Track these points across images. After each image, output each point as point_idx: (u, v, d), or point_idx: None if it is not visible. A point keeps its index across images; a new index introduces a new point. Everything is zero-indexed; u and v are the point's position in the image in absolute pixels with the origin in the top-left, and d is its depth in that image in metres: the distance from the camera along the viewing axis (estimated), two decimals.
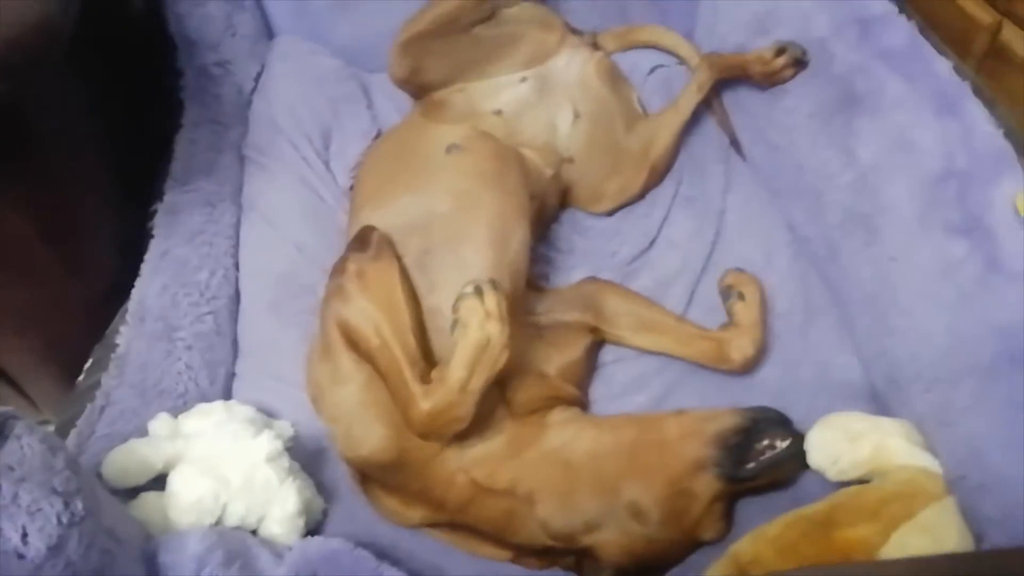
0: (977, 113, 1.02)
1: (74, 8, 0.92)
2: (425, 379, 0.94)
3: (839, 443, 0.94)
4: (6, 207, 0.95)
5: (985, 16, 1.10)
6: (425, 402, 0.91)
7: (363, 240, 1.05)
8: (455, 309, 0.94)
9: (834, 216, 1.18)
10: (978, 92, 1.04)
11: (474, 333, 0.91)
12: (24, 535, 0.68)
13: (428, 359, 0.99)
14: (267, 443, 0.93)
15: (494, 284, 0.94)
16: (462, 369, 0.91)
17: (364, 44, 1.48)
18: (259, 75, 1.43)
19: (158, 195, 1.19)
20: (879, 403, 1.08)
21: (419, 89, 1.33)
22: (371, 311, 0.97)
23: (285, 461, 0.94)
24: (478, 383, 0.91)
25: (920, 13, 1.16)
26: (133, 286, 1.10)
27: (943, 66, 1.08)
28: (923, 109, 1.07)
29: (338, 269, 1.04)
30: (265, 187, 1.30)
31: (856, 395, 1.10)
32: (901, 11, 1.16)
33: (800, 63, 1.25)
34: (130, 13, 1.37)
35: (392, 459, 0.96)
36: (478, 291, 0.93)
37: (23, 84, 0.85)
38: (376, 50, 1.42)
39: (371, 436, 0.96)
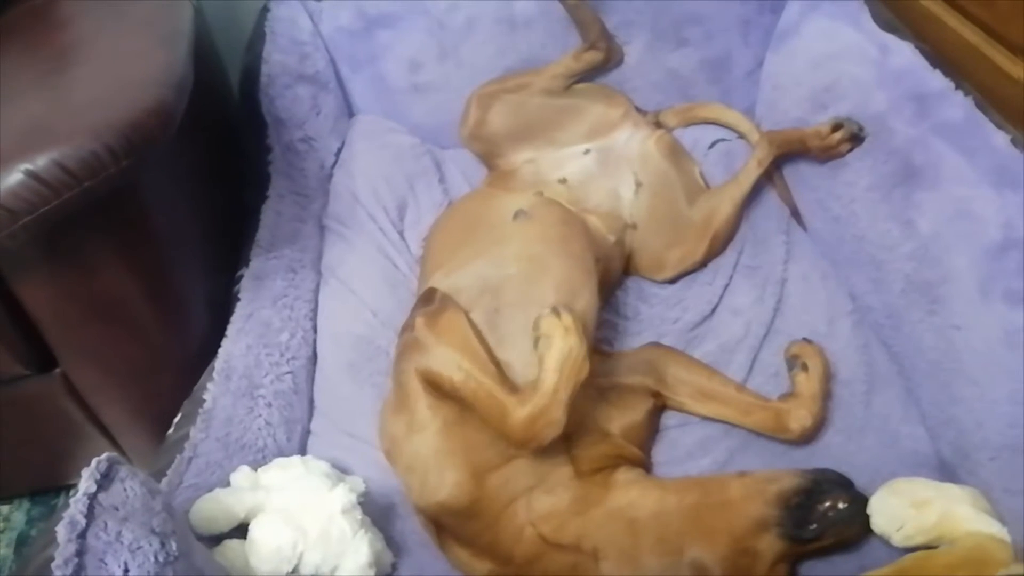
0: None
1: (186, 95, 1.02)
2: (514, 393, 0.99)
3: (904, 509, 0.94)
4: (120, 269, 1.03)
5: None
6: (521, 409, 0.96)
7: (427, 299, 1.11)
8: (536, 327, 1.01)
9: (896, 285, 1.19)
10: None
11: (558, 343, 0.98)
12: (126, 570, 0.74)
13: None
14: (343, 496, 0.97)
15: (568, 308, 1.02)
16: (553, 373, 0.96)
17: (437, 123, 1.56)
18: (340, 151, 1.51)
19: (245, 261, 1.27)
20: (945, 471, 1.07)
21: (484, 144, 1.42)
22: (448, 352, 1.02)
23: (358, 514, 0.98)
24: (566, 390, 0.96)
25: (977, 89, 1.18)
26: (220, 346, 1.17)
27: (1001, 140, 1.10)
28: (982, 182, 1.09)
29: (407, 326, 1.09)
30: (344, 255, 1.36)
31: (922, 463, 1.09)
32: (958, 87, 1.18)
33: (857, 138, 1.28)
34: (228, 97, 1.49)
35: (466, 505, 0.99)
36: (555, 311, 1.01)
37: (141, 161, 0.94)
38: (448, 129, 1.53)
39: (446, 481, 0.99)
